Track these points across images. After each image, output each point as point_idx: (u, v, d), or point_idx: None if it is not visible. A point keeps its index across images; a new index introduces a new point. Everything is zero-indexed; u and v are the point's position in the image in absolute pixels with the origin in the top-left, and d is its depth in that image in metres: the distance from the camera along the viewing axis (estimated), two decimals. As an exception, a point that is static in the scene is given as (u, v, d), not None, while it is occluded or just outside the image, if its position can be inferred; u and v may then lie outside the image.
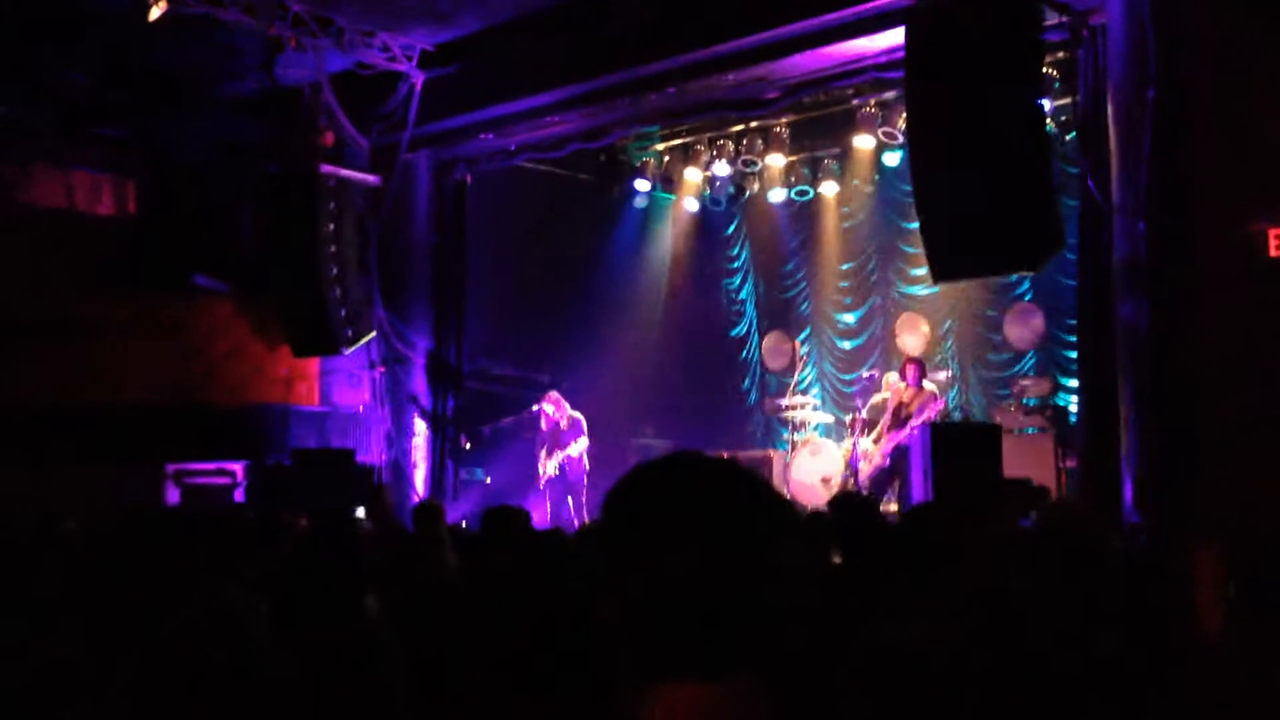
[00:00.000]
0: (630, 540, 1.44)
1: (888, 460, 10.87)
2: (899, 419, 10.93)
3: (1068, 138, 10.23)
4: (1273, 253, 7.23)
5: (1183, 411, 7.48)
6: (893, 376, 11.54)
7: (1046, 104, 9.56)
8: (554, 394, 12.41)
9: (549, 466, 12.16)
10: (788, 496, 11.48)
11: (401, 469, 12.24)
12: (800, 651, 1.44)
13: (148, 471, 10.25)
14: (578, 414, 12.28)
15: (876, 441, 11.12)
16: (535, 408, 13.01)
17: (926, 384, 11.19)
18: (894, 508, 10.95)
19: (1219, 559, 3.81)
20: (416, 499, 11.77)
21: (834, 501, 6.17)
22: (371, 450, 12.17)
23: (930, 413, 10.73)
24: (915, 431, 10.71)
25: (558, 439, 12.17)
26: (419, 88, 11.52)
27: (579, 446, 12.05)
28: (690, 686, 1.40)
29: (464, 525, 10.04)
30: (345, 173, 11.57)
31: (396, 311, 12.33)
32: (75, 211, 11.35)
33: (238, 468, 10.79)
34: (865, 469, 11.18)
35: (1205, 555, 3.81)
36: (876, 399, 11.81)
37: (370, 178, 11.85)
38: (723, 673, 1.40)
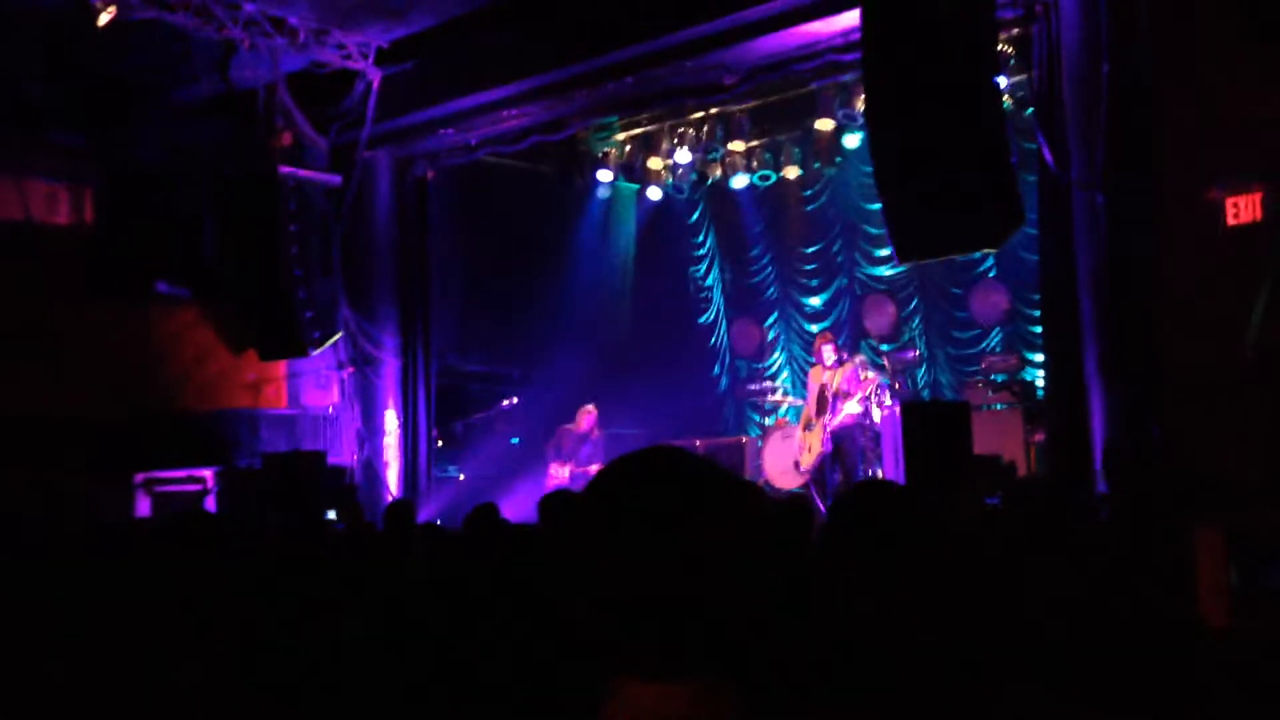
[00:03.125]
0: (593, 539, 1.43)
1: (829, 446, 10.79)
2: (824, 403, 10.85)
3: (1025, 114, 10.28)
4: (1229, 221, 7.29)
5: (1148, 381, 7.54)
6: (859, 358, 11.53)
7: (1003, 81, 9.60)
8: (591, 406, 12.39)
9: (562, 473, 12.06)
10: (761, 484, 11.55)
11: (374, 469, 12.19)
12: (768, 649, 1.44)
13: (116, 481, 10.14)
14: (602, 432, 12.34)
15: (807, 429, 11.03)
16: (506, 403, 13.01)
17: (845, 358, 11.09)
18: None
19: (1220, 544, 3.69)
20: (390, 498, 11.72)
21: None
22: (343, 451, 12.10)
23: (863, 389, 10.65)
24: (859, 409, 10.67)
25: (578, 450, 12.14)
26: (376, 85, 11.43)
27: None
28: (653, 687, 1.39)
29: (439, 523, 10.01)
30: (305, 173, 11.47)
31: (363, 311, 12.26)
32: (32, 222, 11.20)
33: (208, 474, 10.70)
34: (808, 460, 11.08)
35: (1205, 540, 3.69)
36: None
37: (331, 177, 11.76)
38: (684, 674, 1.39)
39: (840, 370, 10.83)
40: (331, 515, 9.60)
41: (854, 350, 12.49)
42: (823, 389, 10.90)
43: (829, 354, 10.97)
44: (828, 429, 10.73)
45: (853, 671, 2.06)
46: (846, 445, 10.67)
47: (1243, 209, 7.31)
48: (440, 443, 12.85)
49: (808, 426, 11.09)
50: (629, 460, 1.49)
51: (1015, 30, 9.29)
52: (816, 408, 10.93)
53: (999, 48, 8.97)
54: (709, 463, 1.48)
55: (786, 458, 11.98)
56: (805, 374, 14.17)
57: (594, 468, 11.89)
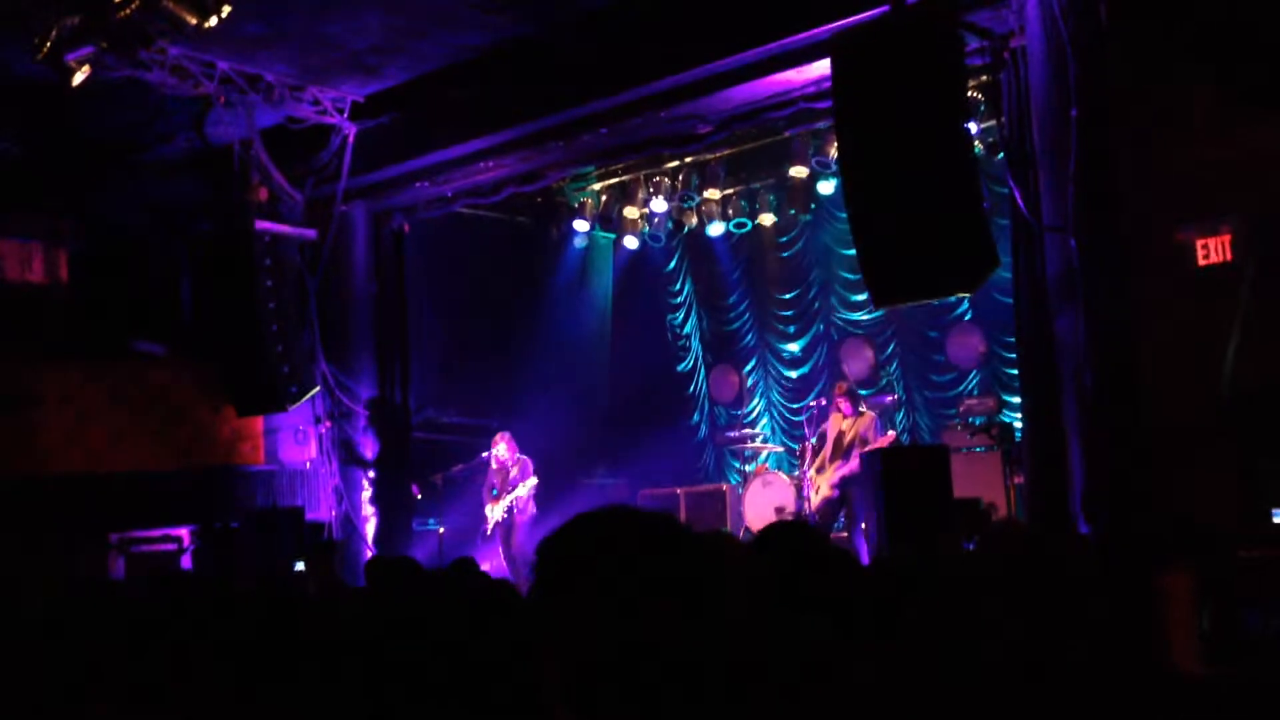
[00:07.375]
0: (556, 601, 1.42)
1: (836, 491, 10.87)
2: (841, 449, 10.93)
3: (996, 158, 10.39)
4: (1200, 262, 7.35)
5: (1125, 421, 7.56)
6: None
7: (973, 126, 9.71)
8: (505, 434, 12.10)
9: (497, 510, 11.87)
10: (742, 532, 11.51)
11: (352, 523, 12.10)
12: (745, 706, 1.42)
13: (91, 542, 10.04)
14: (525, 456, 12.10)
15: (820, 472, 11.10)
16: (486, 454, 12.92)
17: (864, 409, 11.17)
18: (845, 535, 11.02)
19: (1190, 588, 3.66)
20: (369, 553, 11.63)
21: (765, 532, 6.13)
22: (321, 506, 12.02)
23: (881, 441, 10.75)
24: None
25: (507, 482, 11.92)
26: (351, 139, 11.48)
27: (527, 487, 11.74)
28: None
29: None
30: (281, 228, 11.47)
31: (340, 365, 12.22)
32: (6, 281, 11.17)
33: (184, 532, 10.60)
34: (814, 500, 11.18)
35: (1173, 585, 3.66)
36: (825, 426, 11.86)
37: (307, 232, 11.76)
38: None
39: (859, 420, 10.91)
40: (300, 566, 9.48)
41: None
42: (840, 435, 10.98)
43: (845, 404, 11.05)
44: (839, 474, 10.82)
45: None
46: (853, 493, 10.74)
47: (1213, 250, 7.38)
48: (419, 495, 12.77)
49: (820, 469, 11.14)
50: (588, 520, 1.48)
51: (984, 77, 9.41)
52: (832, 453, 11.01)
53: (968, 94, 9.07)
54: (667, 520, 1.48)
55: (767, 505, 11.97)
56: (784, 419, 14.24)
57: (519, 490, 11.71)
